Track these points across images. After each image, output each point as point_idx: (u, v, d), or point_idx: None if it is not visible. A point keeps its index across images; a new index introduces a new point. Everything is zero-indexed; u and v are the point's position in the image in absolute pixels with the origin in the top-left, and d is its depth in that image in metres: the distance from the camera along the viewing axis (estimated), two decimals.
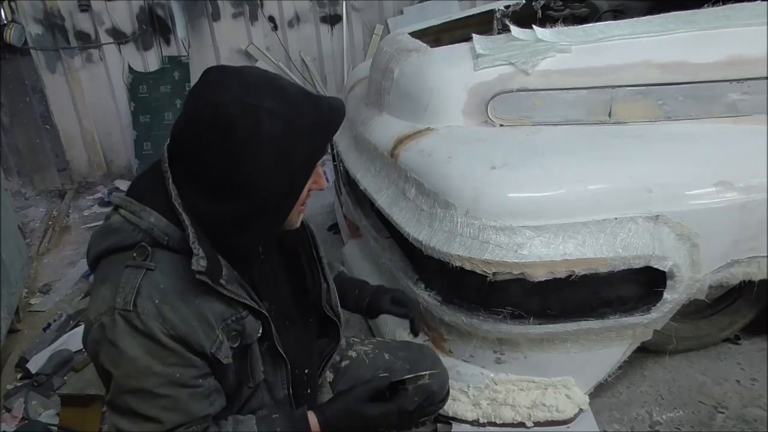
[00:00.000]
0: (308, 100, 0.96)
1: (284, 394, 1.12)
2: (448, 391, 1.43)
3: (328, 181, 3.82)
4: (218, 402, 1.00)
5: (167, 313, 0.91)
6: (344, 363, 1.38)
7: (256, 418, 1.04)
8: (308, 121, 0.93)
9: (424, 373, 1.12)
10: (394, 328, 1.85)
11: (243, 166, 0.90)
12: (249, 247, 1.02)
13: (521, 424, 1.64)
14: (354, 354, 1.39)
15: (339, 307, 1.25)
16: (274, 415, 1.06)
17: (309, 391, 1.21)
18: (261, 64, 4.29)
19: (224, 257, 0.98)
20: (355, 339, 1.46)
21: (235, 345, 1.00)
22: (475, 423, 1.66)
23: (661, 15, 1.76)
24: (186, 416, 0.95)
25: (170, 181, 0.95)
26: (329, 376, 1.35)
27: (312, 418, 1.05)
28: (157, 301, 0.91)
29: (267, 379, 1.09)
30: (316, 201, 3.54)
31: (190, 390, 0.95)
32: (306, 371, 1.20)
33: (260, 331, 1.03)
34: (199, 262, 0.91)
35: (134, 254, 0.93)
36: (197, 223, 0.94)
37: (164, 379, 0.92)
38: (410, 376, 1.12)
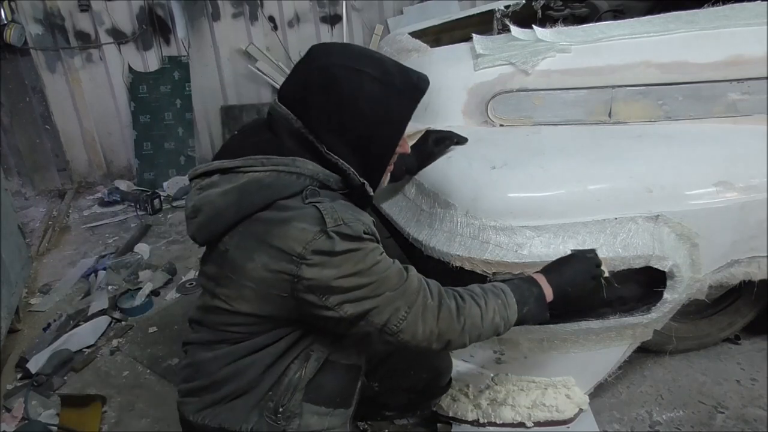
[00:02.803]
0: (400, 69, 1.15)
1: None
2: (451, 379, 1.54)
3: None
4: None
5: (362, 217, 1.11)
6: None
7: (505, 285, 1.22)
8: (400, 86, 1.12)
9: None
10: None
11: (350, 120, 1.10)
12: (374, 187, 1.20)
13: (521, 424, 1.64)
14: None
15: None
16: (513, 280, 1.25)
17: None
18: (261, 65, 4.30)
19: None
20: None
21: None
22: (475, 423, 1.66)
23: (661, 15, 1.75)
24: (400, 271, 1.13)
25: (314, 137, 1.11)
26: None
27: (539, 275, 1.26)
28: (351, 212, 1.10)
29: None
30: None
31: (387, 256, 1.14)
32: None
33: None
34: (369, 191, 1.16)
35: (305, 195, 1.09)
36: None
37: (377, 250, 1.11)
38: None
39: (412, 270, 1.16)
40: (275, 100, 1.15)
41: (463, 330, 1.14)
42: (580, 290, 1.26)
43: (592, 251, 1.32)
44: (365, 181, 1.15)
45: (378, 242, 1.13)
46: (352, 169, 1.13)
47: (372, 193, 1.17)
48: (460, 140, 1.63)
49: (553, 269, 1.29)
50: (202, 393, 1.19)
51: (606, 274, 1.30)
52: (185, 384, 1.23)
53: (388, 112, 1.11)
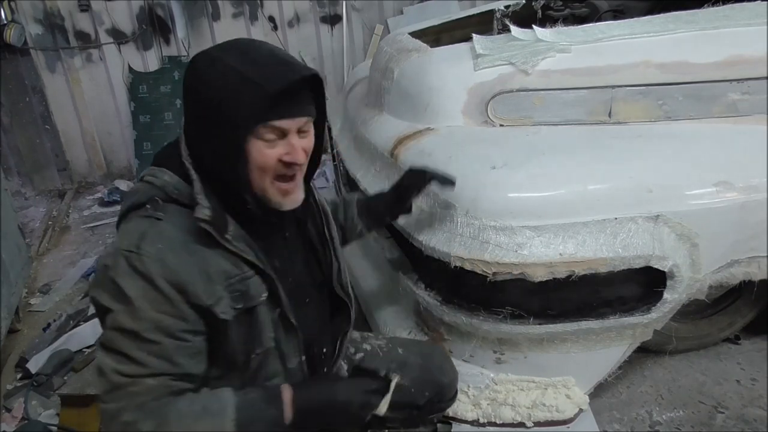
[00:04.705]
0: (275, 62, 0.98)
1: (297, 362, 1.13)
2: (457, 391, 1.48)
3: (327, 180, 3.82)
4: (203, 365, 1.01)
5: (170, 259, 0.95)
6: (358, 356, 1.41)
7: (232, 390, 1.01)
8: (259, 79, 0.94)
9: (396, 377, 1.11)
10: (394, 328, 1.85)
11: (197, 109, 1.00)
12: (238, 202, 1.03)
13: (521, 424, 1.64)
14: (368, 347, 1.43)
15: (350, 287, 1.28)
16: (250, 388, 1.04)
17: (326, 370, 1.24)
18: None
19: (234, 218, 1.03)
20: (369, 334, 1.49)
21: (239, 306, 1.02)
22: (475, 423, 1.66)
23: (661, 15, 1.75)
24: (171, 366, 0.95)
25: (183, 140, 1.04)
26: (344, 367, 1.36)
27: (287, 392, 1.02)
28: (160, 246, 0.95)
29: (280, 348, 1.10)
30: None
31: (177, 342, 0.96)
32: (324, 350, 1.23)
33: (265, 294, 1.04)
34: (203, 211, 0.97)
35: (147, 206, 0.99)
36: (207, 181, 1.01)
37: (153, 324, 0.94)
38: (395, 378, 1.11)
39: (155, 381, 0.94)
40: None
41: None
42: (329, 423, 1.07)
43: (386, 383, 1.10)
44: (200, 203, 0.97)
45: (185, 299, 0.94)
46: (199, 182, 0.99)
47: (204, 217, 0.96)
48: (444, 180, 1.45)
49: (306, 394, 1.05)
50: None
51: (380, 412, 1.07)
52: None
53: (236, 105, 0.94)
